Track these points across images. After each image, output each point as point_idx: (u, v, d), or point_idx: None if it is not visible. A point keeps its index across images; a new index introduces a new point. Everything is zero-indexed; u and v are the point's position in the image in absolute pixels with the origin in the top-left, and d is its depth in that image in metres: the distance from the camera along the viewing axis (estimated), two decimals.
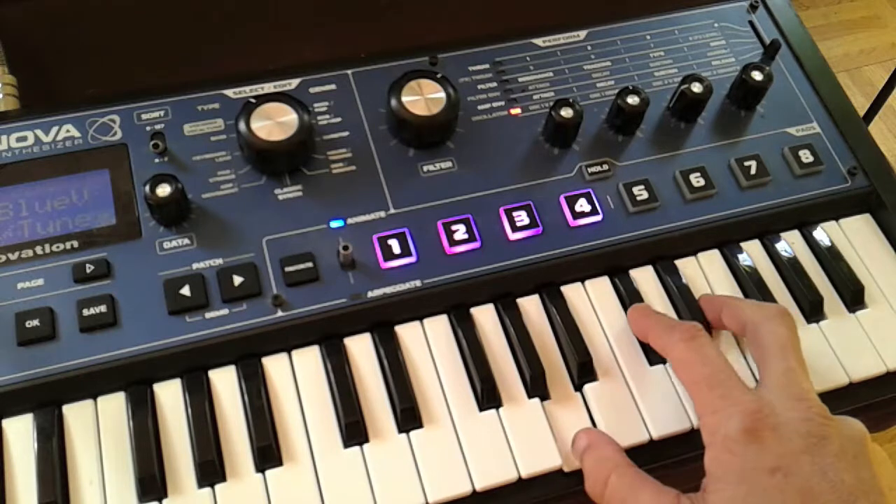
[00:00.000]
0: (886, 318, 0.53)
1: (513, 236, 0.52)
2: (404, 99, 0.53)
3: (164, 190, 0.49)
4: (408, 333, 0.50)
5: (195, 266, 0.49)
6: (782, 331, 0.44)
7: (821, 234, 0.56)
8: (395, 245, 0.51)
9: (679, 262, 0.54)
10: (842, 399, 0.50)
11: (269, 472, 0.45)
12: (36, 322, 0.46)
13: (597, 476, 0.43)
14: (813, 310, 0.53)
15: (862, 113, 0.88)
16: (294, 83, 0.56)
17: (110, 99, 0.54)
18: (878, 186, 0.57)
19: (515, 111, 0.57)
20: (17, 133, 0.53)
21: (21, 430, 0.45)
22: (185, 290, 0.48)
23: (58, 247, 0.49)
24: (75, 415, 0.46)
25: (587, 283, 0.53)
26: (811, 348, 0.51)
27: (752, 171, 0.56)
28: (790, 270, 0.54)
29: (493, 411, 0.48)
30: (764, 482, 0.38)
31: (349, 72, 0.57)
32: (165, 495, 0.44)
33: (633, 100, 0.55)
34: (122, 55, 0.62)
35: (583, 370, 0.49)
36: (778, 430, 0.39)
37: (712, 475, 0.40)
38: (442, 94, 0.53)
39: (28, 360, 0.46)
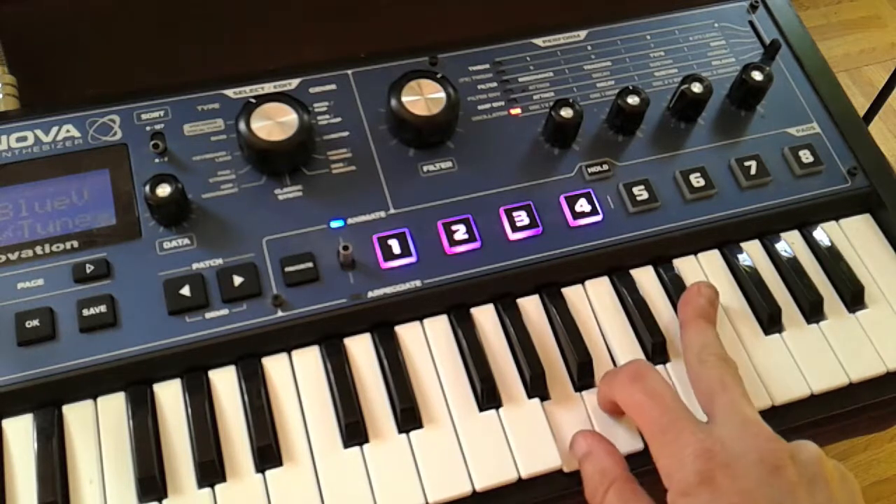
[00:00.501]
0: (886, 318, 0.53)
1: (513, 236, 0.52)
2: (404, 99, 0.53)
3: (164, 190, 0.49)
4: (408, 333, 0.50)
5: (195, 266, 0.49)
6: (719, 371, 0.44)
7: (821, 234, 0.56)
8: (395, 245, 0.51)
9: (679, 262, 0.54)
10: (842, 399, 0.51)
11: (269, 473, 0.45)
12: (36, 322, 0.46)
13: (595, 486, 0.43)
14: (813, 310, 0.53)
15: (862, 113, 0.88)
16: (294, 83, 0.56)
17: (110, 99, 0.54)
18: (878, 186, 0.57)
19: (515, 111, 0.57)
20: (17, 133, 0.53)
21: (21, 430, 0.45)
22: (185, 290, 0.48)
23: (58, 247, 0.49)
24: (75, 415, 0.46)
25: (587, 283, 0.53)
26: (811, 348, 0.51)
27: (753, 172, 0.56)
28: (790, 270, 0.54)
29: (493, 411, 0.48)
30: None
31: (349, 72, 0.57)
32: (165, 495, 0.44)
33: (633, 100, 0.55)
34: (122, 55, 0.62)
35: (583, 370, 0.49)
36: (731, 467, 0.39)
37: None
38: (442, 94, 0.53)
39: (28, 360, 0.46)
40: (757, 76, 0.57)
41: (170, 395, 0.47)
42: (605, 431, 0.47)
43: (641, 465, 0.46)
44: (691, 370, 0.46)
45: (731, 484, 0.38)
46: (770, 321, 0.52)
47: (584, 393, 0.49)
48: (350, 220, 0.52)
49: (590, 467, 0.44)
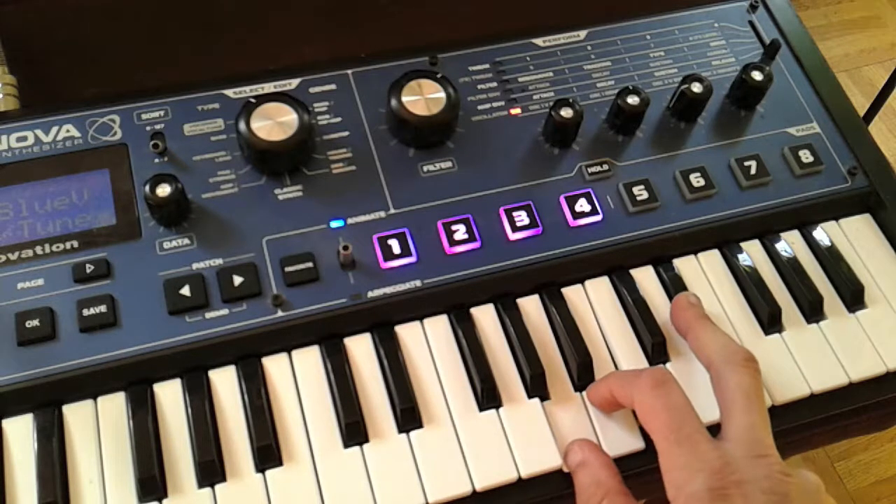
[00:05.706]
0: (886, 318, 0.53)
1: (513, 236, 0.52)
2: (404, 99, 0.53)
3: (164, 190, 0.49)
4: (408, 333, 0.50)
5: (195, 266, 0.49)
6: (747, 380, 0.44)
7: (821, 234, 0.56)
8: (395, 245, 0.51)
9: (679, 262, 0.54)
10: (842, 399, 0.51)
11: (269, 472, 0.45)
12: (36, 322, 0.46)
13: (588, 497, 0.43)
14: (813, 310, 0.53)
15: (862, 113, 0.88)
16: (294, 83, 0.56)
17: (110, 99, 0.54)
18: (878, 186, 0.57)
19: (515, 111, 0.57)
20: (17, 133, 0.53)
21: (21, 430, 0.45)
22: (185, 290, 0.48)
23: (58, 247, 0.49)
24: (75, 415, 0.46)
25: (587, 283, 0.53)
26: (811, 348, 0.51)
27: (752, 171, 0.56)
28: (790, 270, 0.54)
29: (493, 411, 0.48)
30: None
31: (349, 72, 0.57)
32: (165, 495, 0.44)
33: (633, 100, 0.55)
34: (122, 55, 0.62)
35: (583, 370, 0.49)
36: (742, 489, 0.39)
37: None
38: (442, 94, 0.53)
39: (28, 360, 0.46)
40: (757, 76, 0.57)
41: (170, 395, 0.47)
42: (606, 428, 0.47)
43: (640, 466, 0.46)
44: (716, 371, 0.45)
45: None
46: (770, 321, 0.52)
47: (584, 393, 0.49)
48: (350, 220, 0.52)
49: (585, 477, 0.44)
